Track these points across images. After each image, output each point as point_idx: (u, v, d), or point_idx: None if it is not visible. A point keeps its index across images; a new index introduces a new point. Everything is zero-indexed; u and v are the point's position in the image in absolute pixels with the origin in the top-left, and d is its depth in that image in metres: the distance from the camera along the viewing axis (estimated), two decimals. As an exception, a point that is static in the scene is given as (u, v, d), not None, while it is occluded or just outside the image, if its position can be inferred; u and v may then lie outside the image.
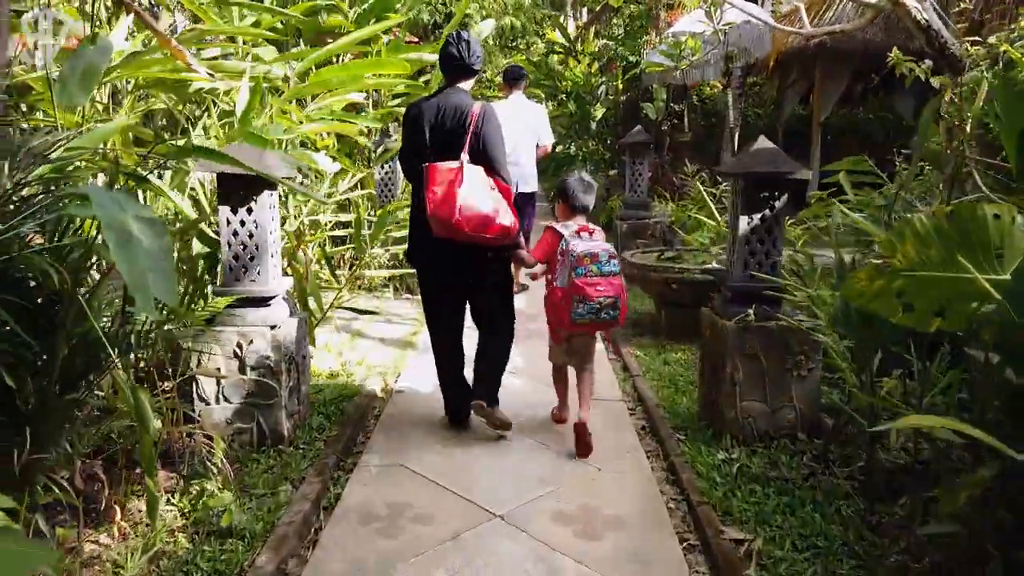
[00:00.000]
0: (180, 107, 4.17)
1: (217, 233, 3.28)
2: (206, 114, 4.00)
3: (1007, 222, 1.92)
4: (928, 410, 2.64)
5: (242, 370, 3.18)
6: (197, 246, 3.40)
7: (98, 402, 2.51)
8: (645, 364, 4.52)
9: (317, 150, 5.02)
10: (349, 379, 4.17)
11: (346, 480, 3.06)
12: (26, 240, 2.26)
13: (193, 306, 2.64)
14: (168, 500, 2.76)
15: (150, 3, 4.92)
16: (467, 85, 3.41)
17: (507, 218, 3.20)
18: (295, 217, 4.44)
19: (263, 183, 3.13)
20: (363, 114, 5.99)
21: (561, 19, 16.13)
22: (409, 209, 3.61)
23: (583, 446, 3.31)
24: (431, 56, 5.24)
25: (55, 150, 2.46)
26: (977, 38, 3.94)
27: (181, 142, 3.92)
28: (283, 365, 3.21)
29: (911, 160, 3.61)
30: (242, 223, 3.17)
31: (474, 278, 3.48)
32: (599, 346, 4.91)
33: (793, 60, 9.25)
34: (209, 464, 2.81)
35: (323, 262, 4.62)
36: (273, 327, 3.21)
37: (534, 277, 3.59)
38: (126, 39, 3.90)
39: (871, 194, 3.71)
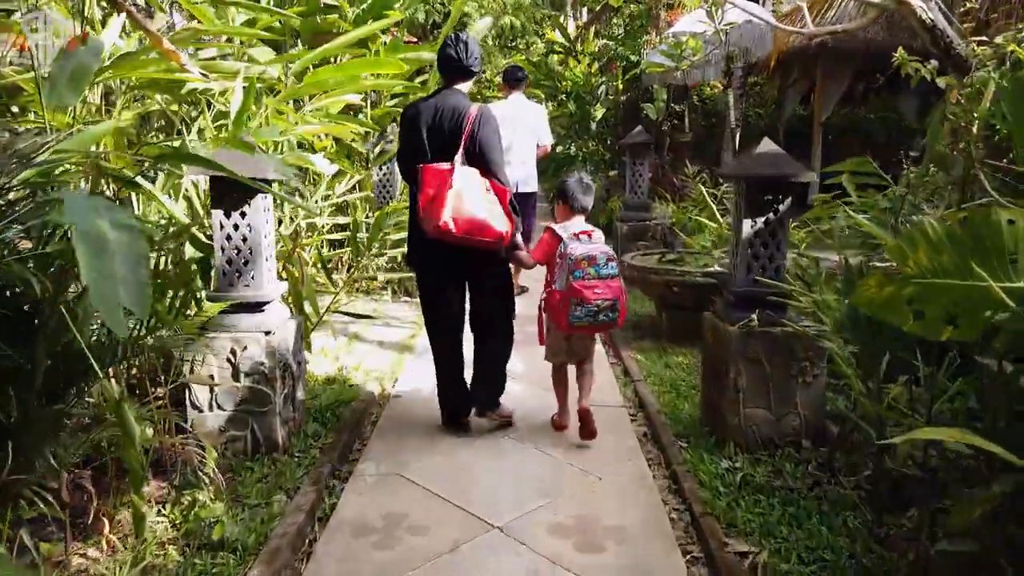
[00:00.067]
0: (175, 108, 4.10)
1: (210, 237, 3.22)
2: (201, 115, 3.93)
3: (1022, 228, 1.86)
4: (936, 418, 2.57)
5: (236, 377, 3.12)
6: (190, 251, 3.33)
7: (87, 412, 2.44)
8: (646, 368, 4.46)
9: (315, 152, 4.97)
10: (346, 384, 4.11)
11: (341, 489, 2.99)
12: (13, 246, 2.20)
13: (185, 312, 2.56)
14: (159, 511, 2.70)
15: (145, 2, 4.87)
16: (465, 86, 3.39)
17: (501, 224, 3.17)
18: (291, 220, 4.37)
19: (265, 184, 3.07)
20: (360, 116, 5.94)
21: (561, 19, 16.07)
22: (408, 211, 3.57)
23: (588, 432, 3.39)
24: (430, 55, 5.18)
25: (42, 153, 2.40)
26: (984, 38, 3.89)
27: (177, 143, 3.88)
28: (277, 371, 3.15)
29: (919, 162, 3.55)
30: (236, 227, 3.11)
31: (472, 280, 3.47)
32: (599, 348, 4.86)
33: (794, 60, 9.19)
34: (201, 474, 2.75)
35: (319, 266, 4.56)
36: (267, 333, 3.14)
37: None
38: (120, 38, 3.84)
39: (875, 196, 3.65)
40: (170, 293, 2.51)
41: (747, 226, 3.19)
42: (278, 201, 4.79)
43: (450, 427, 3.58)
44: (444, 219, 3.05)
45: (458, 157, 3.20)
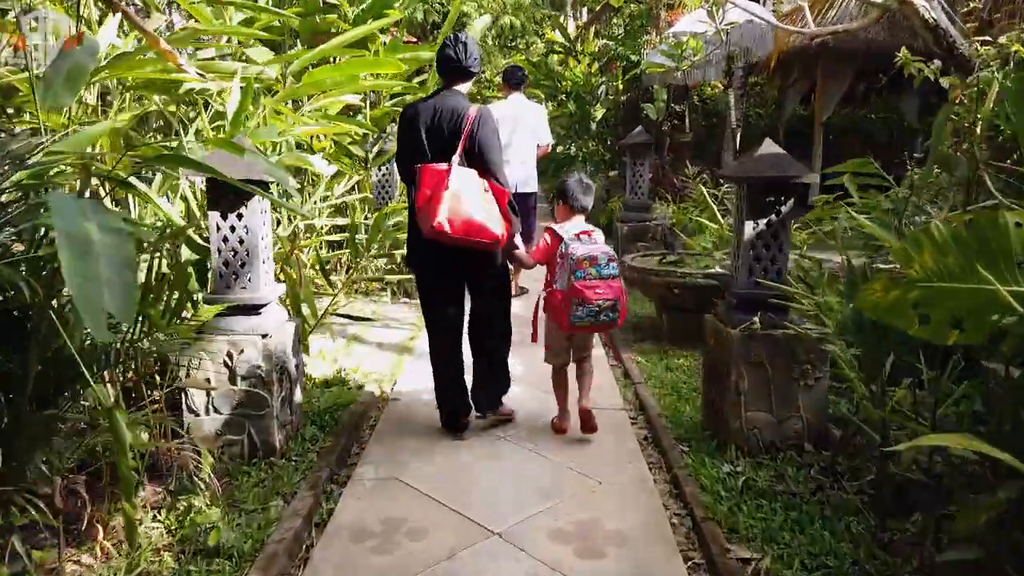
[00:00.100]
0: (173, 109, 4.08)
1: (206, 239, 3.19)
2: (199, 116, 3.90)
3: (1029, 230, 1.83)
4: (941, 422, 2.55)
5: (232, 380, 3.09)
6: (186, 253, 3.30)
7: (80, 416, 2.41)
8: (647, 370, 4.43)
9: (314, 153, 4.94)
10: (344, 387, 4.08)
11: (339, 494, 2.96)
12: (5, 249, 2.17)
13: (180, 316, 2.53)
14: (155, 516, 2.67)
15: (142, 2, 4.83)
16: (464, 87, 3.39)
17: (497, 226, 3.17)
18: (289, 221, 4.34)
19: (261, 187, 3.04)
20: (359, 116, 5.91)
21: (561, 19, 16.04)
22: (407, 212, 3.56)
23: (589, 428, 3.48)
24: (429, 55, 5.16)
25: (36, 154, 2.37)
26: (987, 37, 3.86)
27: (174, 144, 3.85)
28: (275, 375, 3.12)
29: (923, 163, 3.51)
30: (232, 229, 3.08)
31: (471, 281, 3.47)
32: (600, 351, 4.83)
33: (794, 60, 9.15)
34: (197, 479, 2.71)
35: (317, 267, 4.53)
36: (264, 336, 3.11)
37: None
38: (118, 38, 3.81)
39: (877, 197, 3.62)
40: (164, 296, 2.46)
41: (749, 228, 3.16)
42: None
43: (449, 430, 3.55)
44: (439, 219, 3.05)
45: (456, 157, 3.20)
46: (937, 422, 2.52)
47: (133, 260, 1.34)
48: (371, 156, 6.16)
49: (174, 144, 3.81)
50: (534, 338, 3.55)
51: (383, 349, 4.94)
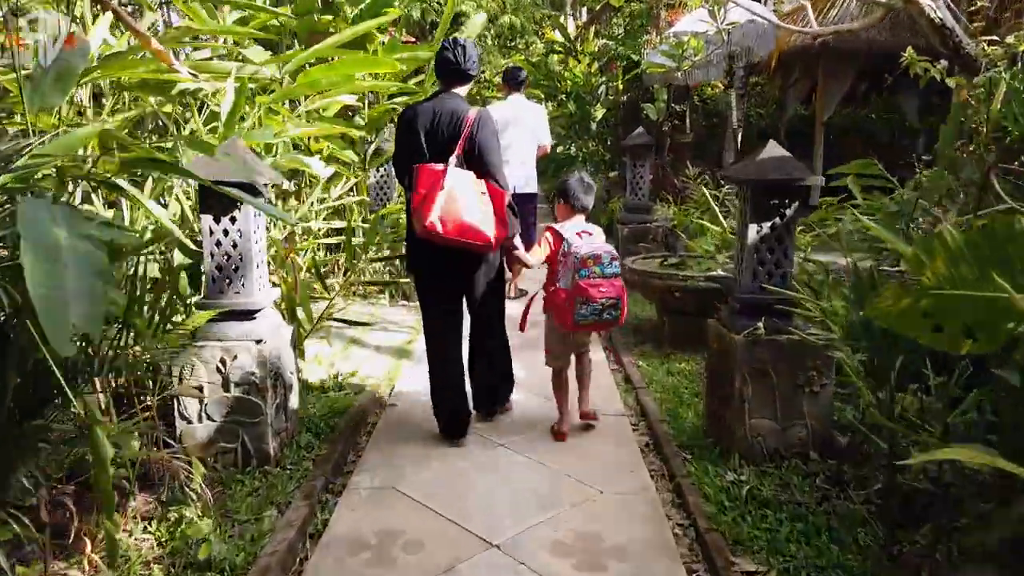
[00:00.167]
0: (169, 109, 4.01)
1: (198, 243, 3.13)
2: (192, 117, 3.83)
3: (1046, 237, 1.76)
4: (952, 428, 2.48)
5: (226, 387, 3.03)
6: (179, 257, 3.23)
7: (67, 427, 2.34)
8: (648, 375, 4.36)
9: (311, 154, 4.87)
10: (341, 392, 4.01)
11: (335, 504, 2.90)
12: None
13: (166, 324, 2.47)
14: (145, 528, 2.60)
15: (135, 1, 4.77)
16: (463, 90, 3.38)
17: (491, 229, 3.16)
18: (289, 224, 4.28)
19: (247, 190, 2.97)
20: (357, 117, 5.85)
21: (561, 19, 15.97)
22: (405, 214, 3.53)
23: (588, 421, 3.63)
24: (427, 55, 5.10)
25: (22, 157, 2.31)
26: (994, 37, 3.80)
27: (168, 146, 3.78)
28: (269, 381, 3.05)
29: (931, 164, 3.45)
30: (225, 232, 3.02)
31: (470, 283, 3.44)
32: (600, 356, 4.76)
33: (795, 60, 9.09)
34: (188, 489, 2.65)
35: (313, 271, 4.46)
36: (258, 341, 3.05)
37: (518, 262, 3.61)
38: (114, 37, 3.75)
39: (881, 198, 3.56)
40: (151, 304, 2.40)
41: (752, 231, 3.10)
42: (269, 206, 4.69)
43: (447, 436, 3.49)
44: (431, 219, 3.05)
45: (453, 159, 3.18)
46: (948, 431, 2.46)
47: (105, 270, 1.27)
48: (368, 157, 6.10)
49: (168, 146, 3.76)
50: (522, 328, 3.54)
51: (381, 353, 4.88)
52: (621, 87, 10.16)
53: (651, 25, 9.95)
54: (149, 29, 4.57)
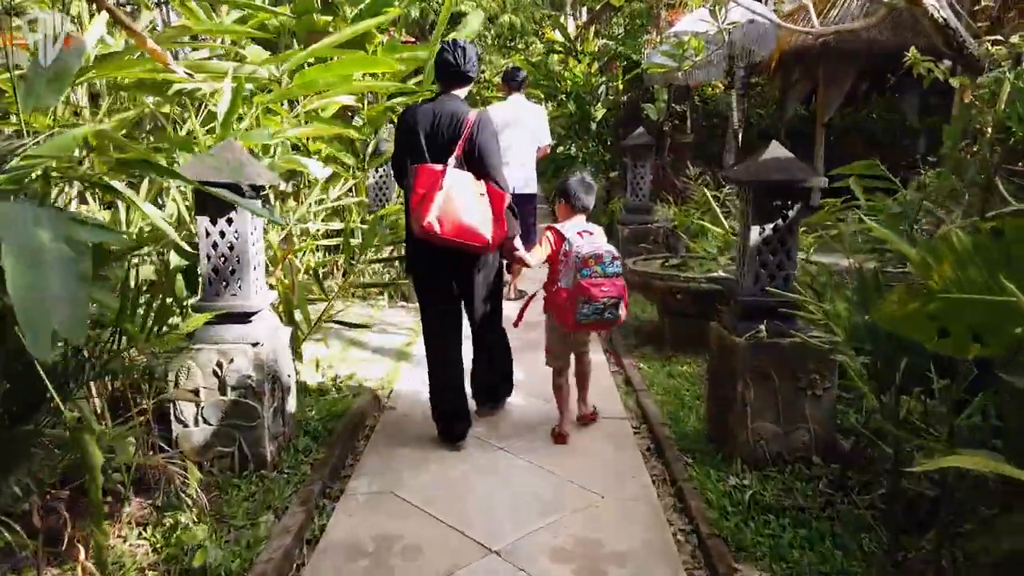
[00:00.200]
0: (167, 110, 3.98)
1: (193, 245, 3.10)
2: (190, 117, 3.80)
3: (1056, 240, 1.73)
4: (957, 431, 2.45)
5: (222, 390, 2.99)
6: (175, 259, 3.20)
7: (58, 432, 2.31)
8: (649, 377, 4.33)
9: (311, 155, 4.84)
10: (339, 395, 3.97)
11: (332, 509, 2.87)
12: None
13: (160, 328, 2.43)
14: (140, 533, 2.57)
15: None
16: (462, 92, 3.37)
17: (488, 230, 3.15)
18: (282, 227, 4.24)
19: (243, 191, 2.94)
20: (356, 118, 5.81)
21: (560, 18, 15.93)
22: (404, 215, 3.52)
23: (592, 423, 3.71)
24: (427, 54, 5.06)
25: (15, 158, 2.27)
26: (998, 37, 3.77)
27: (165, 146, 3.75)
28: (266, 385, 3.02)
29: (937, 165, 3.42)
30: (222, 234, 2.98)
31: (464, 282, 3.43)
32: (601, 358, 4.73)
33: (795, 60, 9.05)
34: (183, 495, 2.61)
35: (311, 272, 4.43)
36: (255, 344, 3.02)
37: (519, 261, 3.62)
38: (111, 36, 3.72)
39: (884, 200, 3.52)
40: (143, 309, 2.36)
41: (755, 233, 3.07)
42: (265, 207, 4.66)
43: (446, 439, 3.46)
44: (429, 219, 3.05)
45: (452, 160, 3.17)
46: (953, 435, 2.42)
47: (89, 274, 1.23)
48: (367, 158, 6.06)
49: (165, 146, 3.73)
50: (516, 323, 3.57)
51: (379, 355, 4.84)
52: (621, 87, 10.12)
53: (651, 25, 9.92)
54: (148, 29, 4.54)
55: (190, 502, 2.62)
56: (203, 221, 2.97)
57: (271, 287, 3.54)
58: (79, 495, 2.56)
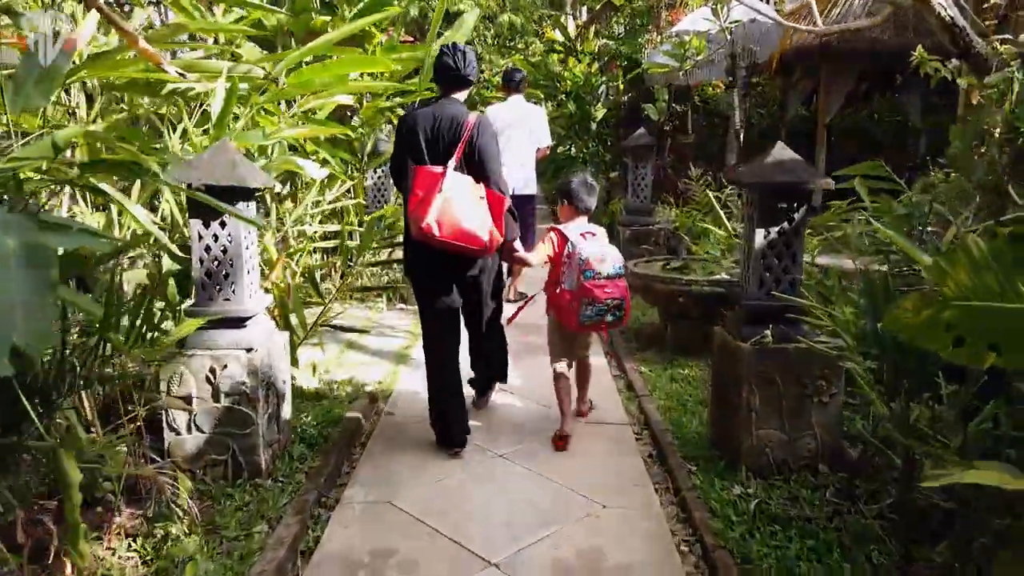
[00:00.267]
0: (164, 110, 3.91)
1: (183, 249, 3.03)
2: (183, 118, 3.73)
3: (1077, 246, 1.67)
4: (970, 443, 2.38)
5: (215, 397, 2.93)
6: (168, 263, 3.14)
7: (44, 444, 2.24)
8: (651, 381, 4.26)
9: (307, 155, 4.77)
10: (335, 401, 3.90)
11: (327, 519, 2.80)
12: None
13: (146, 337, 2.36)
14: (129, 545, 2.50)
15: None
16: (462, 95, 3.36)
17: (485, 233, 3.13)
18: (277, 230, 4.18)
19: (237, 194, 2.88)
20: (355, 118, 5.74)
21: (561, 18, 15.86)
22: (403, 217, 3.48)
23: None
24: (424, 54, 4.99)
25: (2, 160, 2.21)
26: (1007, 35, 3.70)
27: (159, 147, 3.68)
28: (260, 392, 2.95)
29: (945, 167, 3.35)
30: (215, 237, 2.92)
31: (463, 284, 3.41)
32: (602, 361, 4.67)
33: (797, 60, 8.99)
34: (175, 506, 2.55)
35: (307, 275, 4.36)
36: (249, 350, 2.95)
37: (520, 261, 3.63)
38: (104, 36, 3.66)
39: (889, 201, 3.46)
40: (133, 314, 2.29)
41: (760, 236, 3.00)
42: (267, 209, 4.59)
43: (444, 446, 3.39)
44: (428, 221, 3.03)
45: (452, 162, 3.16)
46: (965, 443, 2.36)
47: (53, 282, 1.16)
48: (365, 158, 6.00)
49: (158, 147, 3.66)
50: (509, 321, 3.63)
51: (378, 358, 4.78)
52: (621, 87, 10.06)
53: (652, 24, 9.85)
54: (144, 27, 4.47)
55: (181, 513, 2.55)
56: (196, 224, 2.91)
57: (266, 291, 3.48)
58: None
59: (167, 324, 3.02)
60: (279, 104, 4.55)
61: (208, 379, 2.92)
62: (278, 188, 4.64)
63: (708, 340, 3.44)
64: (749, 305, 3.06)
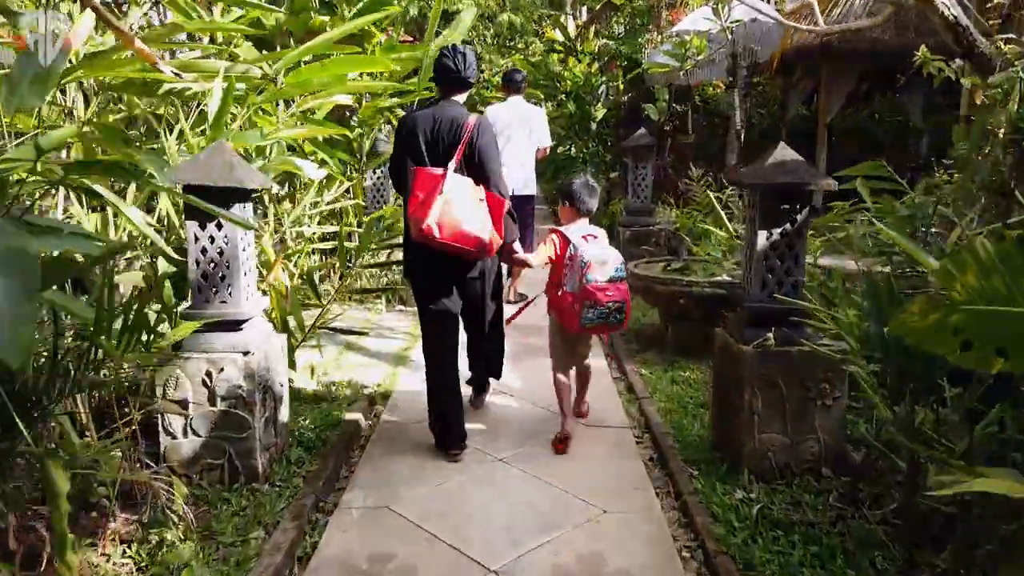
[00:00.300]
0: (161, 111, 3.88)
1: (181, 250, 3.00)
2: (179, 118, 3.70)
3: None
4: (977, 445, 2.35)
5: (212, 401, 2.90)
6: (164, 265, 3.10)
7: (35, 450, 2.21)
8: (651, 383, 4.23)
9: (307, 156, 4.73)
10: (333, 404, 3.87)
11: (325, 523, 2.76)
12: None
13: (137, 342, 2.33)
14: (124, 551, 2.47)
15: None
16: (461, 97, 3.35)
17: (486, 235, 3.12)
18: (275, 231, 4.14)
19: (234, 195, 2.85)
20: (355, 118, 5.71)
21: (560, 18, 15.83)
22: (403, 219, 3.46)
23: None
24: (423, 54, 4.96)
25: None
26: (1011, 35, 3.67)
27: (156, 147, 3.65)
28: (257, 395, 2.92)
29: (949, 168, 3.32)
30: (211, 239, 2.89)
31: (463, 287, 3.40)
32: (602, 363, 4.64)
33: (797, 59, 8.95)
34: (169, 512, 2.51)
35: (305, 277, 4.33)
36: (246, 353, 2.92)
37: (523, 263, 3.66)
38: (101, 35, 3.62)
39: (891, 202, 3.43)
40: (123, 318, 2.26)
41: (762, 238, 2.97)
42: (264, 211, 4.56)
43: (443, 449, 3.36)
44: (429, 222, 3.02)
45: (452, 164, 3.15)
46: (971, 448, 2.33)
47: (34, 290, 1.13)
48: (364, 159, 5.96)
49: (156, 146, 3.63)
50: (509, 322, 3.65)
51: (376, 360, 4.74)
52: (622, 87, 10.02)
53: (652, 24, 9.82)
54: (143, 26, 4.44)
55: (176, 518, 2.52)
56: (192, 225, 2.88)
57: (264, 293, 3.45)
58: (62, 511, 2.46)
59: (163, 327, 2.99)
60: (277, 104, 4.52)
61: (204, 383, 2.88)
62: (276, 189, 4.61)
63: (709, 342, 3.41)
64: (751, 307, 3.03)
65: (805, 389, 2.95)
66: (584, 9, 16.30)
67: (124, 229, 3.37)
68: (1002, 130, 3.05)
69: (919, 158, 8.63)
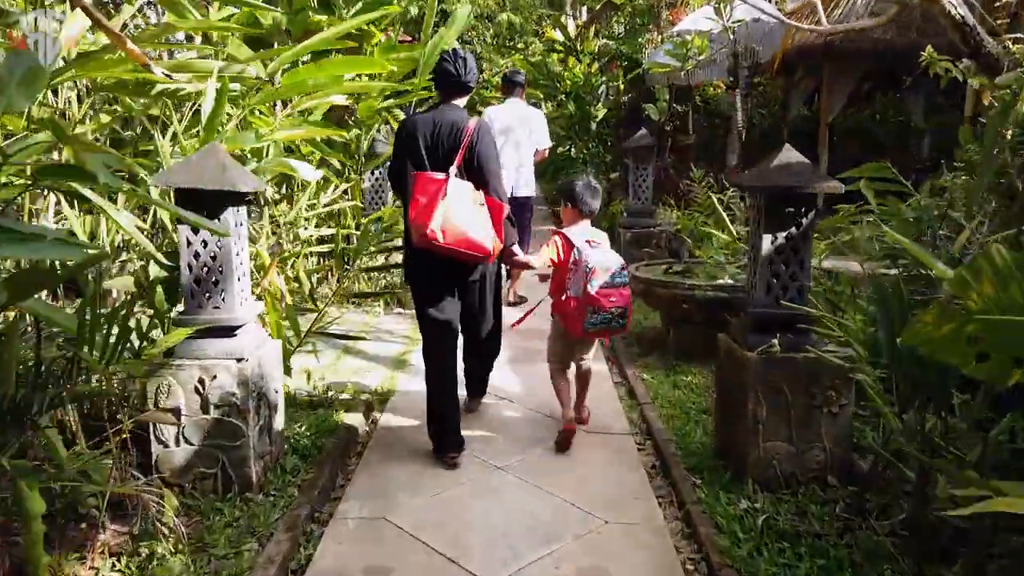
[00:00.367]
0: (156, 112, 3.81)
1: (174, 255, 2.93)
2: (171, 120, 3.64)
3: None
4: (989, 453, 2.28)
5: (205, 409, 2.83)
6: (155, 270, 3.04)
7: (23, 464, 2.15)
8: (653, 388, 4.17)
9: (303, 157, 4.67)
10: (330, 410, 3.80)
11: (320, 535, 2.70)
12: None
13: (123, 353, 2.26)
14: (113, 565, 2.41)
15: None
16: (462, 101, 3.33)
17: (488, 240, 3.10)
18: (272, 233, 4.08)
19: (227, 198, 2.79)
20: (353, 119, 5.65)
21: (561, 18, 15.77)
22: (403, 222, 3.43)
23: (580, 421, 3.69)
24: (420, 54, 4.91)
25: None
26: (1019, 35, 3.61)
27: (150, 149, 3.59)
28: (251, 402, 2.86)
29: (957, 169, 3.26)
30: (204, 243, 2.82)
31: (463, 291, 3.38)
32: (602, 367, 4.58)
33: (799, 59, 8.89)
34: (159, 524, 2.45)
35: (300, 281, 4.26)
36: (240, 360, 2.85)
37: (543, 278, 3.65)
38: (92, 35, 3.56)
39: (896, 204, 3.37)
40: (106, 329, 2.19)
41: (766, 242, 2.90)
42: (259, 212, 4.50)
43: (441, 455, 3.30)
44: (432, 227, 3.00)
45: (453, 169, 3.13)
46: (983, 459, 2.27)
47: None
48: (362, 160, 5.90)
49: (150, 148, 3.57)
50: (514, 326, 3.61)
51: (374, 365, 4.68)
52: (622, 87, 9.97)
53: (653, 24, 9.76)
54: (136, 24, 4.37)
55: (167, 531, 2.46)
56: (184, 230, 2.81)
57: (258, 297, 3.38)
58: (51, 523, 2.40)
59: (155, 333, 2.93)
60: (274, 105, 4.46)
61: (197, 390, 2.82)
62: (271, 191, 4.54)
63: (712, 346, 3.35)
64: (756, 313, 2.97)
65: (811, 396, 2.89)
66: (584, 9, 16.24)
67: (117, 232, 3.31)
68: (1009, 132, 2.99)
69: (921, 159, 8.57)
